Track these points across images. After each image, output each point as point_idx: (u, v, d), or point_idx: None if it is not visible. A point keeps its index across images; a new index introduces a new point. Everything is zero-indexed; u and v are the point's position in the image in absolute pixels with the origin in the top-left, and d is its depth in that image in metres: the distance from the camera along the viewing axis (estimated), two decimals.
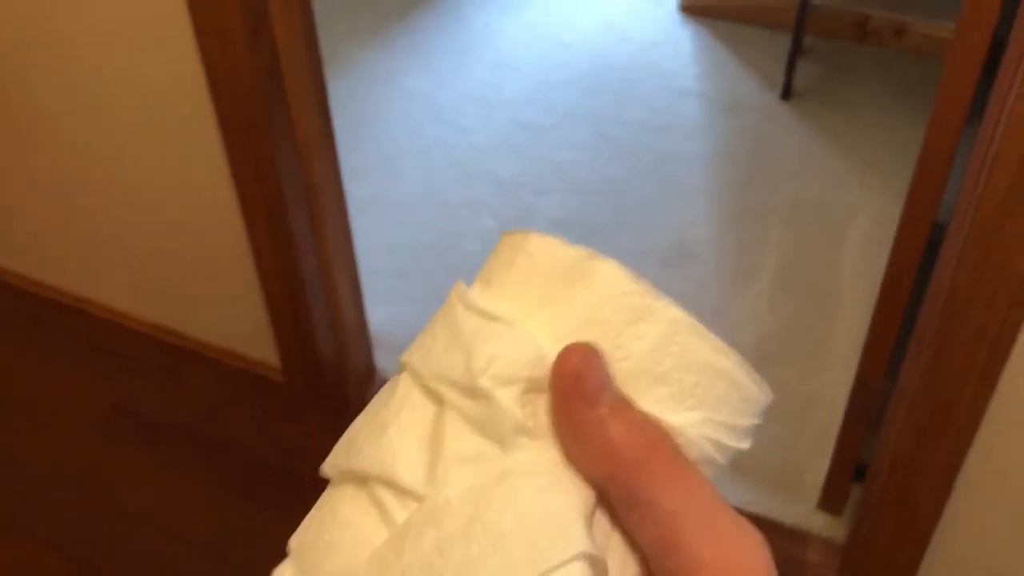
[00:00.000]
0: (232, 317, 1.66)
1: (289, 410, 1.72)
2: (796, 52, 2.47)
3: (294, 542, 0.27)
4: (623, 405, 0.25)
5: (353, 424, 0.29)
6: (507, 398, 0.25)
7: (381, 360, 1.77)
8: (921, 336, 1.14)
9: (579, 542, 0.24)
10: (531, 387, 0.26)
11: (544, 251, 0.27)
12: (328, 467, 0.28)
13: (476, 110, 2.57)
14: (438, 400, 0.27)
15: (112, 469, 1.65)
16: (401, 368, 0.28)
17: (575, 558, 0.23)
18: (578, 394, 0.24)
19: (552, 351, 0.25)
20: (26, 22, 1.42)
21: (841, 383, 1.76)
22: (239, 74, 1.25)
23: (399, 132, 2.51)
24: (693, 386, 0.26)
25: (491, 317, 0.27)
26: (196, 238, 1.57)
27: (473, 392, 0.25)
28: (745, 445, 0.27)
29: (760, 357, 1.86)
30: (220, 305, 1.66)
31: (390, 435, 0.27)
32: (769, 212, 2.21)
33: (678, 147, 2.41)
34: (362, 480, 0.27)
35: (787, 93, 2.52)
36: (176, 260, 1.63)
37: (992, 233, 0.96)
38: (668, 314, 0.26)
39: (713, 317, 1.94)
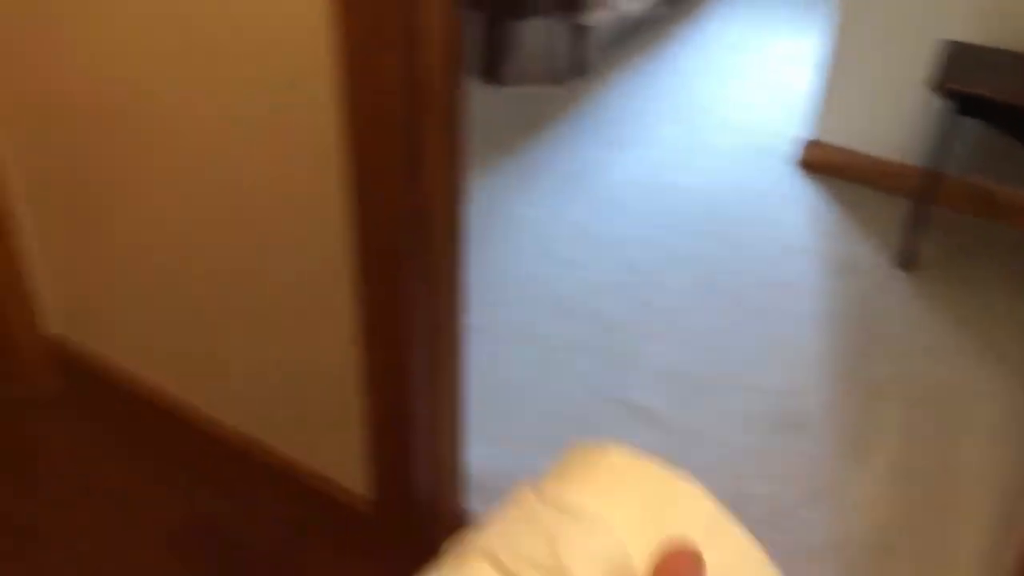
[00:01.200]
0: (328, 440, 1.59)
1: (371, 546, 1.62)
2: (919, 220, 2.40)
3: None
4: None
5: None
6: None
7: (475, 504, 1.67)
8: None
9: None
10: None
11: (626, 464, 0.29)
12: None
13: (583, 244, 2.53)
14: None
15: None
16: (464, 551, 0.27)
17: None
18: None
19: (635, 552, 0.27)
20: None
21: None
22: (391, 209, 1.20)
23: (502, 259, 2.46)
24: None
25: (574, 510, 0.28)
26: (308, 355, 1.51)
27: (555, 572, 0.25)
28: None
29: (875, 547, 1.72)
30: (318, 426, 1.59)
31: None
32: (884, 388, 2.09)
33: (787, 305, 2.33)
34: None
35: (905, 262, 2.44)
36: (283, 375, 1.57)
37: None
38: (740, 540, 0.28)
39: (825, 496, 1.81)
